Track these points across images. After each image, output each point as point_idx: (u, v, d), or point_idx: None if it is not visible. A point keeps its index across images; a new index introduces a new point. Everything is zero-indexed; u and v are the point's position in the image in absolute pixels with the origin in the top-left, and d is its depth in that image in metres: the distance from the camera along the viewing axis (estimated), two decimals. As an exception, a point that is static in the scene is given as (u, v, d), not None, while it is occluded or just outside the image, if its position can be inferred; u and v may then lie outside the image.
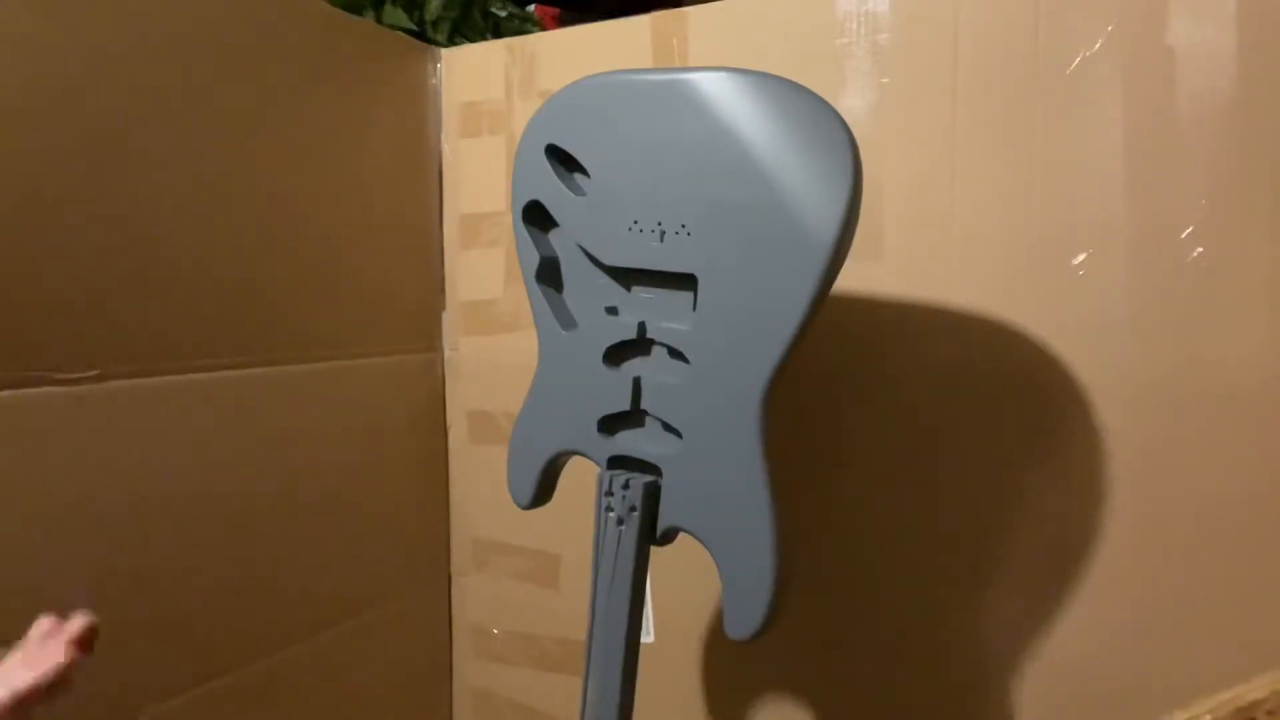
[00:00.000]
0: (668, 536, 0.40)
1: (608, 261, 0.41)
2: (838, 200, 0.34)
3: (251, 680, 0.54)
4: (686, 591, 0.59)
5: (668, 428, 0.40)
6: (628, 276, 0.41)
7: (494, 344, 0.67)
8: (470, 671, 0.71)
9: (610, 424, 0.41)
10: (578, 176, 0.42)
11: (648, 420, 0.41)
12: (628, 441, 0.41)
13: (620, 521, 0.40)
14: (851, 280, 0.52)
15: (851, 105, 0.52)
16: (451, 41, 0.88)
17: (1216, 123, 0.44)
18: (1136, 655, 0.47)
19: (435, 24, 0.87)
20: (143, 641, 0.48)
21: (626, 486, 0.40)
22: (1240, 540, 0.44)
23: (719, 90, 0.37)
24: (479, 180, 0.67)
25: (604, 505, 0.41)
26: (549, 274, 0.43)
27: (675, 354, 0.40)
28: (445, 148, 0.69)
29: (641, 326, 0.40)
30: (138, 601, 0.47)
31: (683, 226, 0.38)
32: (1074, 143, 0.47)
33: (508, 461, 0.45)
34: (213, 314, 0.52)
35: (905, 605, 0.53)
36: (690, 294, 0.39)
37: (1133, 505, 0.47)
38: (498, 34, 0.95)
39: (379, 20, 0.84)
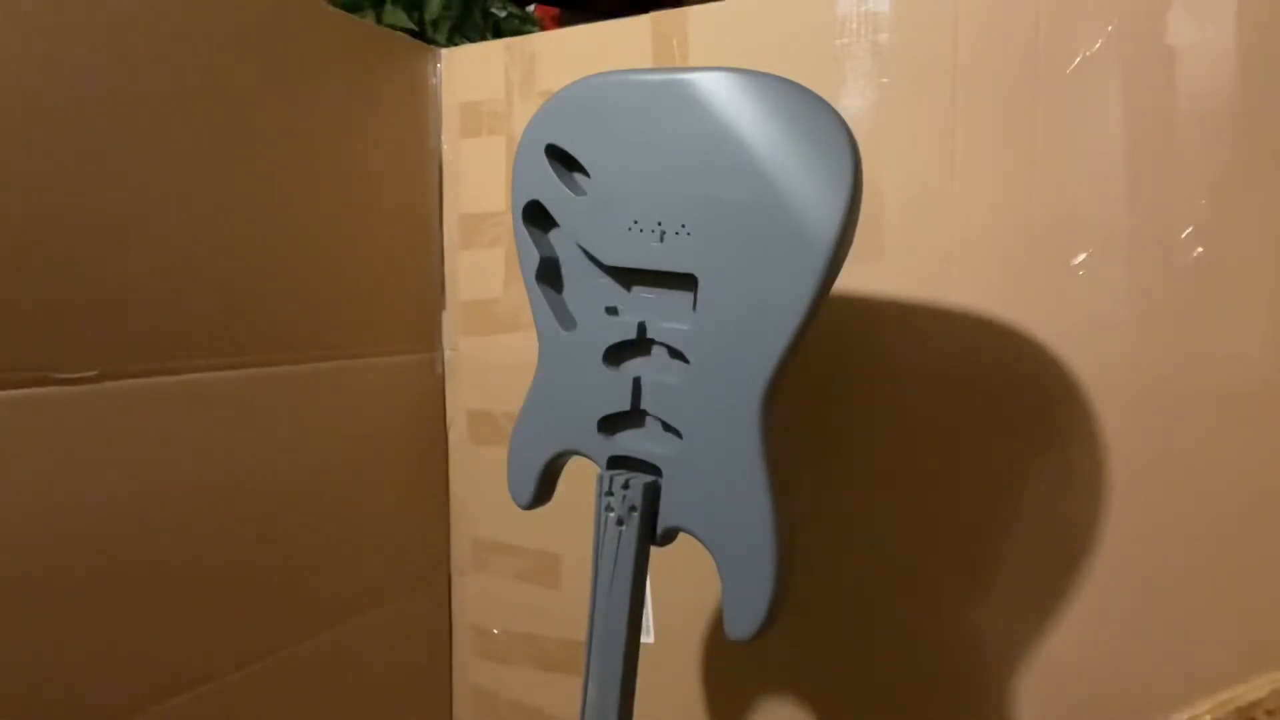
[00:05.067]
0: (668, 536, 0.40)
1: (608, 261, 0.41)
2: (838, 200, 0.34)
3: (251, 680, 0.54)
4: (686, 591, 0.59)
5: (668, 428, 0.40)
6: (628, 276, 0.41)
7: (494, 344, 0.67)
8: (470, 671, 0.71)
9: (610, 424, 0.41)
10: (578, 176, 0.42)
11: (648, 420, 0.41)
12: (628, 441, 0.41)
13: (620, 521, 0.40)
14: (851, 280, 0.52)
15: (851, 105, 0.52)
16: (451, 41, 0.89)
17: (1216, 123, 0.44)
18: (1136, 655, 0.47)
19: (435, 24, 0.88)
20: (141, 641, 0.48)
21: (626, 486, 0.40)
22: (1241, 540, 0.44)
23: (719, 90, 0.37)
24: (479, 180, 0.67)
25: (604, 505, 0.41)
26: (549, 274, 0.43)
27: (675, 354, 0.40)
28: (445, 148, 0.69)
29: (641, 326, 0.40)
30: (137, 601, 0.47)
31: (682, 226, 0.38)
32: (1074, 143, 0.47)
33: (508, 461, 0.45)
34: (213, 314, 0.52)
35: (905, 605, 0.53)
36: (690, 294, 0.39)
37: (1133, 505, 0.47)
38: (498, 34, 0.95)
39: (379, 20, 0.85)
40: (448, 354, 0.70)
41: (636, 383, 0.40)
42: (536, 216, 0.43)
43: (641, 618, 0.42)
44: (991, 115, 0.49)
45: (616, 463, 0.41)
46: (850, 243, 0.36)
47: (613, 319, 0.41)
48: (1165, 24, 0.45)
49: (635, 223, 0.39)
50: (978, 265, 0.49)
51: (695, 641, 0.60)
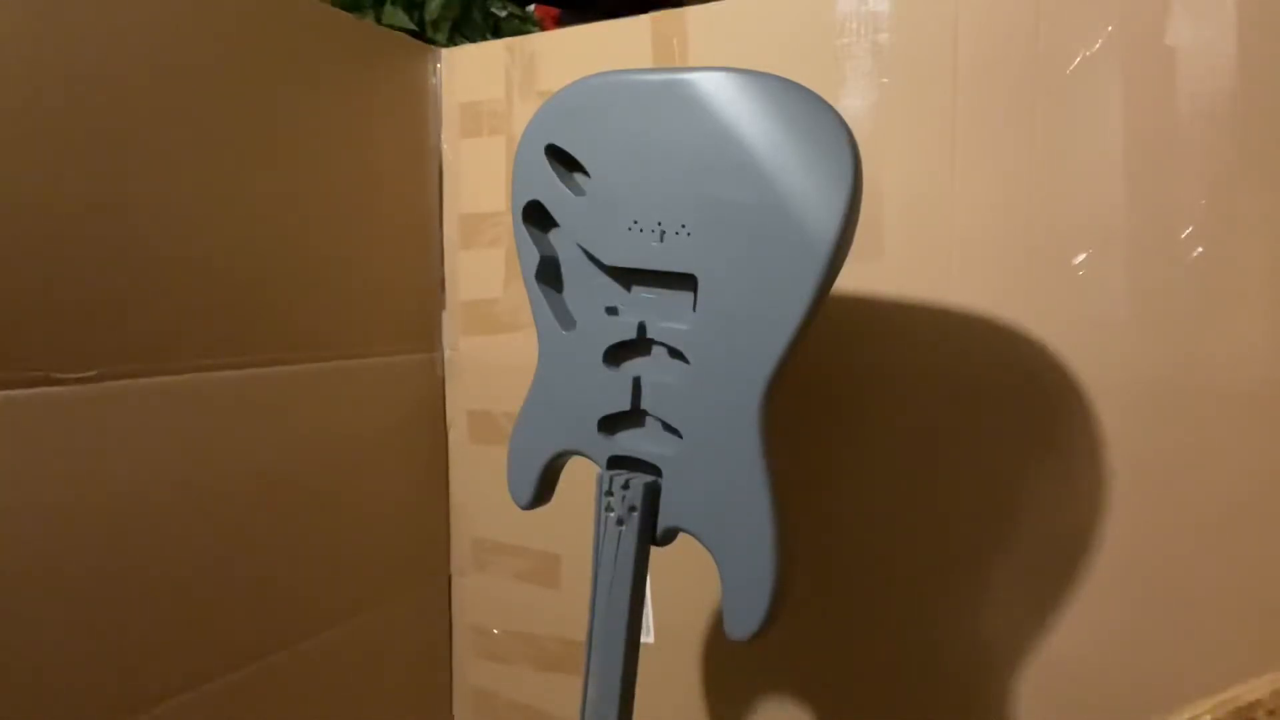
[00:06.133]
0: (668, 536, 0.40)
1: (608, 261, 0.41)
2: (838, 200, 0.34)
3: (251, 680, 0.54)
4: (686, 591, 0.59)
5: (668, 428, 0.40)
6: (628, 276, 0.41)
7: (494, 344, 0.67)
8: (470, 671, 0.71)
9: (610, 424, 0.41)
10: (578, 176, 0.42)
11: (648, 420, 0.41)
12: (628, 441, 0.41)
13: (620, 521, 0.40)
14: (851, 280, 0.52)
15: (851, 105, 0.52)
16: (451, 41, 0.89)
17: (1216, 123, 0.44)
18: (1136, 655, 0.47)
19: (435, 24, 0.88)
20: (141, 641, 0.48)
21: (626, 486, 0.40)
22: (1240, 540, 0.44)
23: (719, 90, 0.37)
24: (479, 180, 0.67)
25: (604, 505, 0.41)
26: (549, 274, 0.43)
27: (675, 354, 0.40)
28: (445, 148, 0.69)
29: (641, 326, 0.40)
30: (136, 601, 0.47)
31: (682, 227, 0.38)
32: (1074, 143, 0.47)
33: (507, 461, 0.45)
34: (212, 314, 0.52)
35: (905, 605, 0.53)
36: (690, 294, 0.39)
37: (1132, 505, 0.47)
38: (498, 34, 0.95)
39: (379, 20, 0.85)
40: (448, 354, 0.70)
41: (636, 382, 0.40)
42: (536, 216, 0.43)
43: (641, 618, 0.42)
44: (991, 115, 0.49)
45: (616, 463, 0.41)
46: (850, 243, 0.36)
47: (613, 319, 0.41)
48: (1165, 24, 0.45)
49: (635, 223, 0.39)
50: (978, 265, 0.49)
51: (695, 641, 0.60)
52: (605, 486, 0.41)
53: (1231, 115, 0.44)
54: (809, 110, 0.35)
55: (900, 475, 0.52)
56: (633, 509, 0.40)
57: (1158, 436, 0.46)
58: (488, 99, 0.66)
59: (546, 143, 0.41)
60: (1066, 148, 0.47)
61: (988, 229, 0.49)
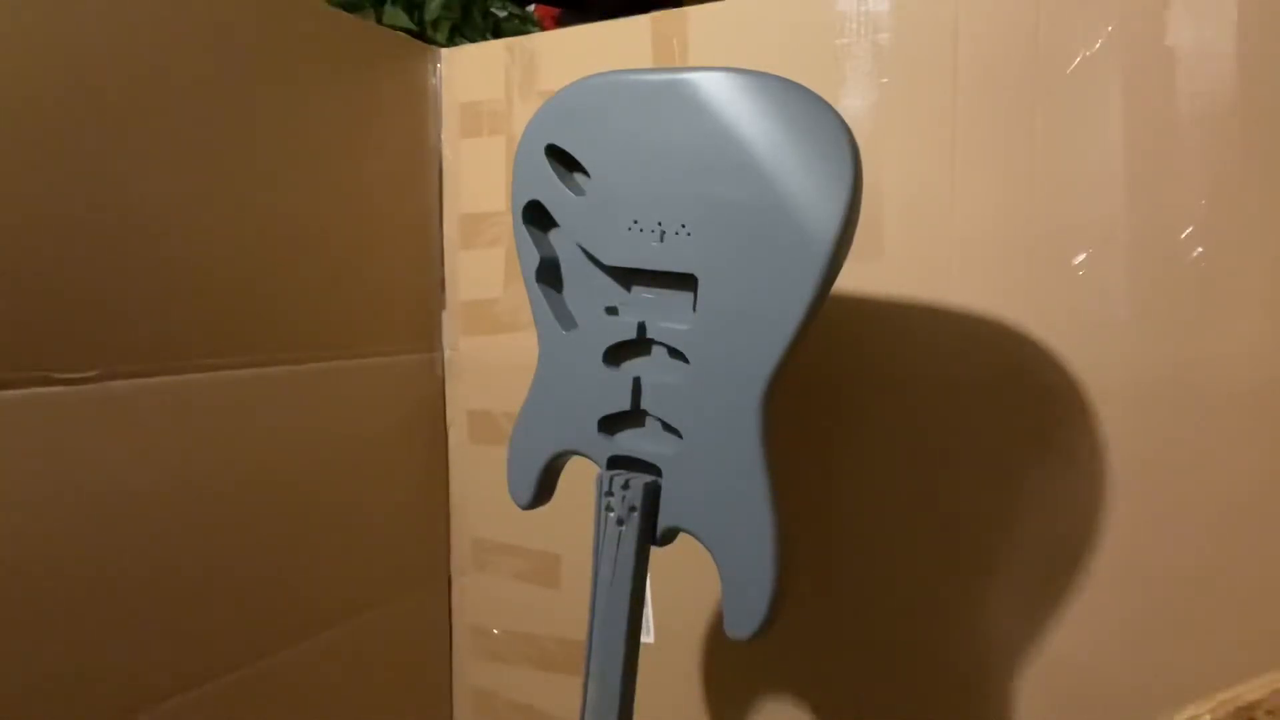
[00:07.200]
0: (668, 536, 0.40)
1: (608, 261, 0.41)
2: (838, 200, 0.34)
3: (251, 680, 0.54)
4: (686, 591, 0.60)
5: (668, 428, 0.40)
6: (628, 276, 0.41)
7: (494, 344, 0.67)
8: (470, 671, 0.71)
9: (610, 424, 0.41)
10: (578, 176, 0.42)
11: (648, 420, 0.41)
12: (628, 441, 0.41)
13: (620, 522, 0.40)
14: (851, 280, 0.52)
15: (851, 105, 0.52)
16: (451, 41, 0.89)
17: (1216, 123, 0.44)
18: (1136, 655, 0.47)
19: (435, 24, 0.88)
20: (140, 641, 0.48)
21: (626, 486, 0.40)
22: (1241, 540, 0.44)
23: (719, 90, 0.37)
24: (479, 180, 0.67)
25: (604, 505, 0.41)
26: (549, 274, 0.43)
27: (675, 354, 0.40)
28: (445, 148, 0.69)
29: (641, 326, 0.40)
30: (136, 601, 0.47)
31: (682, 226, 0.38)
32: (1074, 142, 0.47)
33: (507, 461, 0.45)
34: (213, 314, 0.52)
35: (906, 605, 0.53)
36: (690, 294, 0.39)
37: (1133, 505, 0.47)
38: (498, 34, 0.95)
39: (379, 20, 0.85)
40: (448, 354, 0.70)
41: (636, 382, 0.40)
42: (537, 216, 0.43)
43: (641, 618, 0.42)
44: (991, 115, 0.49)
45: (616, 463, 0.41)
46: (850, 243, 0.37)
47: (613, 319, 0.41)
48: (1165, 24, 0.45)
49: (635, 222, 0.39)
50: (978, 265, 0.49)
51: (695, 641, 0.60)
52: (605, 486, 0.41)
53: (1231, 115, 0.44)
54: (809, 110, 0.35)
55: (900, 475, 0.52)
56: (633, 509, 0.40)
57: (1158, 436, 0.46)
58: (488, 99, 0.66)
59: (546, 143, 0.41)
60: (1066, 148, 0.47)
61: (988, 229, 0.49)
